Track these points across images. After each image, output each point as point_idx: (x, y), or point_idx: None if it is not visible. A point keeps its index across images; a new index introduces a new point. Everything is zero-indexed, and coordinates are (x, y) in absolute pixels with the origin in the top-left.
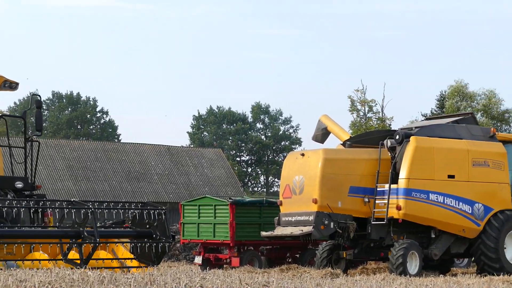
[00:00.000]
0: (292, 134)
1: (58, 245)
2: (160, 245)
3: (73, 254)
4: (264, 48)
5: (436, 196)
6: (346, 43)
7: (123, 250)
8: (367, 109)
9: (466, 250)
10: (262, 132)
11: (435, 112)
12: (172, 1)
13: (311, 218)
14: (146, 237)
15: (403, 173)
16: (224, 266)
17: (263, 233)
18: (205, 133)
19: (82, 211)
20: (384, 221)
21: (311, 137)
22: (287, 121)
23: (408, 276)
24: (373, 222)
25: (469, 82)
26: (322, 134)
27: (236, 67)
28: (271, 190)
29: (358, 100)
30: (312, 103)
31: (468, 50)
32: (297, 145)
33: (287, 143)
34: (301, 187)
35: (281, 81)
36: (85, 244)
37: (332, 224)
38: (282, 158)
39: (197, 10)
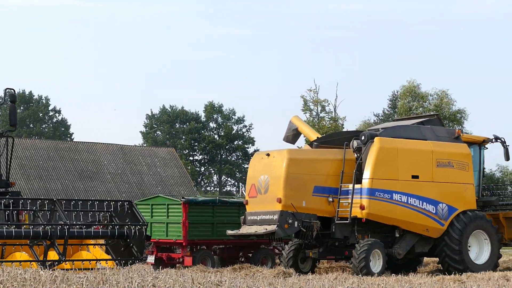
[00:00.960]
0: (245, 134)
1: (38, 246)
2: (129, 262)
3: (55, 255)
4: (217, 47)
5: (400, 196)
6: (299, 43)
7: (100, 253)
8: (319, 108)
9: (431, 250)
10: (215, 132)
11: (387, 112)
12: (125, 0)
13: (276, 217)
14: (121, 238)
15: (367, 173)
16: (177, 265)
17: (229, 232)
18: (158, 132)
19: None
20: (347, 220)
21: (282, 138)
22: (240, 120)
23: (370, 275)
24: (337, 222)
25: (421, 82)
26: (293, 135)
27: (189, 66)
28: (224, 190)
29: (311, 100)
30: (265, 102)
31: (420, 50)
32: (250, 145)
33: (240, 142)
34: (266, 186)
35: (234, 81)
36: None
37: (296, 223)
38: (235, 157)
39: (150, 10)
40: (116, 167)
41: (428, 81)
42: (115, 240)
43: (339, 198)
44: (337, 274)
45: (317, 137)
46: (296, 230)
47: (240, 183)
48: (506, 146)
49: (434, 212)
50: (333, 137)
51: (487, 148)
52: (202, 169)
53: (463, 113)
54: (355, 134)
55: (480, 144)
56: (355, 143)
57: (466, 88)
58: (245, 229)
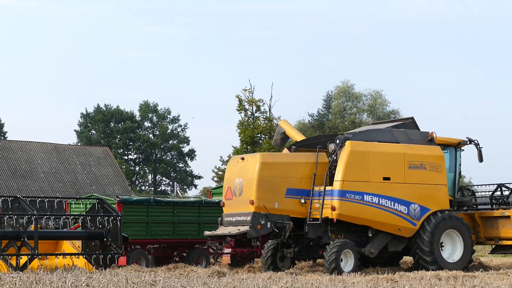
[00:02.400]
0: (180, 133)
1: None
2: (108, 256)
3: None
4: (153, 46)
5: (371, 197)
6: (234, 42)
7: (71, 249)
8: (254, 108)
9: (405, 248)
10: (150, 131)
11: (321, 112)
12: None
13: (249, 218)
14: (97, 238)
15: (338, 176)
16: (111, 265)
17: (206, 233)
18: (92, 131)
19: (25, 218)
20: (318, 221)
21: (272, 141)
22: (175, 120)
23: (341, 274)
24: (309, 222)
25: (355, 83)
26: (281, 138)
27: (124, 65)
28: (159, 189)
29: (246, 100)
30: (200, 102)
31: (354, 51)
32: (185, 144)
33: (175, 141)
34: (240, 189)
35: (170, 80)
36: (21, 257)
37: (269, 224)
38: (169, 157)
39: (85, 8)
40: (50, 166)
41: (362, 82)
42: (92, 243)
43: (311, 199)
44: (271, 273)
45: (295, 141)
46: (269, 231)
47: (175, 183)
48: (480, 148)
49: (406, 212)
50: (312, 141)
51: (463, 150)
52: (137, 168)
53: (397, 113)
54: (331, 138)
55: (455, 146)
56: (331, 146)
57: (400, 88)
58: (221, 230)
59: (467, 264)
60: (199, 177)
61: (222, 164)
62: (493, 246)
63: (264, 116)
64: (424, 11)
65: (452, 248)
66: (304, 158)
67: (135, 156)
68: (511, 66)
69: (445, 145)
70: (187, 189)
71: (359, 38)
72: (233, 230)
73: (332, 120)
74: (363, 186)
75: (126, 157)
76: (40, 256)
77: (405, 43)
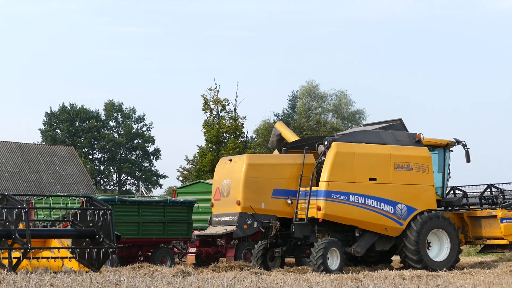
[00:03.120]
0: (145, 132)
1: None
2: (102, 251)
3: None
4: (118, 45)
5: (357, 198)
6: (200, 42)
7: (66, 253)
8: (220, 108)
9: (393, 247)
10: (115, 130)
11: (287, 112)
12: None
13: (235, 218)
14: (88, 237)
15: (324, 176)
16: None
17: (196, 233)
18: (57, 130)
19: (15, 211)
20: (304, 220)
21: (268, 143)
22: (140, 119)
23: (328, 272)
24: (295, 222)
25: (320, 83)
26: (276, 140)
27: (88, 64)
28: (124, 188)
29: (211, 99)
30: (165, 101)
31: (319, 51)
32: (150, 143)
33: (140, 141)
34: (228, 190)
35: (135, 79)
36: (14, 250)
37: (255, 223)
38: (135, 156)
39: (50, 7)
40: (14, 165)
41: (327, 82)
42: (83, 242)
43: (298, 200)
44: (236, 273)
45: (286, 143)
46: (256, 230)
47: (140, 182)
48: (467, 148)
49: (392, 212)
50: (302, 142)
51: (452, 151)
52: (102, 167)
53: (362, 113)
54: (322, 139)
55: (444, 147)
56: (320, 147)
57: (365, 89)
58: (209, 230)
59: (454, 263)
60: (164, 177)
61: (187, 164)
62: (482, 246)
63: (230, 116)
64: (388, 11)
65: (439, 248)
66: (291, 160)
67: (100, 155)
68: (480, 65)
69: (433, 146)
70: (152, 189)
71: (324, 38)
72: (220, 230)
73: (297, 120)
74: (349, 186)
75: (91, 157)
76: (32, 252)
77: (369, 43)
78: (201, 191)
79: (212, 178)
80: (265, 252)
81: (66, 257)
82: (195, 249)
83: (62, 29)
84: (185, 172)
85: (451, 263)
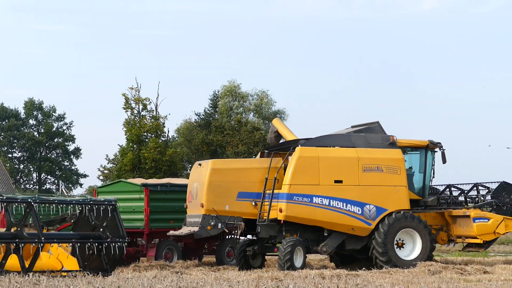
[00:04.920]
0: (65, 131)
1: None
2: (111, 247)
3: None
4: (38, 43)
5: (321, 199)
6: (121, 41)
7: (66, 255)
8: (141, 107)
9: (365, 247)
10: (35, 129)
11: (208, 111)
12: None
13: (200, 219)
14: (94, 239)
15: (286, 180)
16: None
17: (169, 233)
18: None
19: (23, 205)
20: (265, 222)
21: (267, 140)
22: (60, 118)
23: (294, 269)
24: (257, 223)
25: (242, 82)
26: (274, 137)
27: (9, 62)
28: (44, 188)
29: (133, 98)
30: (86, 100)
31: (241, 50)
32: (71, 142)
33: (60, 140)
34: (196, 193)
35: (55, 78)
36: (23, 245)
37: (220, 224)
38: (55, 155)
39: None
40: None
41: (248, 82)
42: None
43: (262, 202)
44: (157, 272)
45: (268, 146)
46: (220, 231)
47: (60, 181)
48: (443, 150)
49: (359, 213)
50: (285, 145)
51: (435, 151)
52: (21, 166)
53: (283, 113)
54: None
55: (425, 148)
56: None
57: (286, 89)
58: (183, 230)
59: (426, 260)
60: (85, 176)
61: (108, 163)
62: (464, 244)
63: (151, 115)
64: (308, 11)
65: (413, 246)
66: (258, 164)
67: (19, 154)
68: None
69: (414, 147)
70: (73, 188)
71: (246, 38)
72: (185, 230)
73: (219, 119)
74: (312, 189)
75: (10, 155)
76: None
77: (290, 44)
78: (122, 190)
79: (132, 177)
80: (247, 250)
81: (75, 271)
82: None
83: None
84: (105, 171)
85: (423, 261)
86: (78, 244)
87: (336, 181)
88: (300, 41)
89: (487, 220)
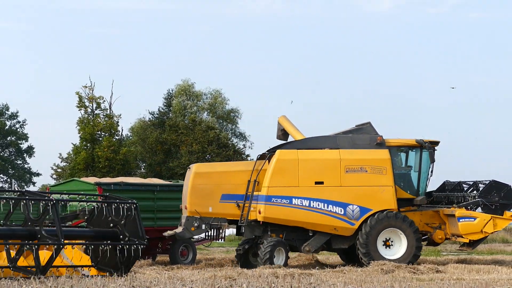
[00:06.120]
0: (18, 129)
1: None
2: (133, 247)
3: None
4: None
5: (301, 201)
6: (75, 39)
7: (79, 255)
8: (95, 105)
9: (353, 246)
10: None
11: (162, 110)
12: None
13: (184, 221)
14: (109, 238)
15: (265, 182)
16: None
17: (168, 232)
18: None
19: (41, 204)
20: (244, 223)
21: (276, 137)
22: (13, 116)
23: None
24: (239, 224)
25: (196, 81)
26: (282, 134)
27: None
28: None
29: (86, 97)
30: (40, 98)
31: (194, 49)
32: (24, 141)
33: (13, 138)
34: (185, 195)
35: (7, 76)
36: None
37: (203, 226)
38: (7, 153)
39: None
40: None
41: (202, 81)
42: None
43: (244, 203)
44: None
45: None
46: (204, 232)
47: (13, 180)
48: (430, 149)
49: (342, 213)
50: (276, 148)
51: (431, 150)
52: None
53: (237, 112)
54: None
55: (420, 147)
56: None
57: (240, 88)
58: (175, 230)
59: (412, 259)
60: (38, 174)
61: (62, 162)
62: (460, 243)
63: (105, 114)
64: (264, 10)
65: (400, 246)
66: (242, 167)
67: None
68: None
69: (409, 147)
70: (26, 187)
71: (200, 37)
72: (170, 232)
73: (173, 118)
74: (292, 190)
75: None
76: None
77: (245, 43)
78: (75, 189)
79: (86, 176)
80: (248, 249)
81: (85, 266)
82: None
83: None
84: (59, 170)
85: (408, 260)
86: (92, 247)
87: (316, 183)
88: (254, 40)
89: (473, 219)
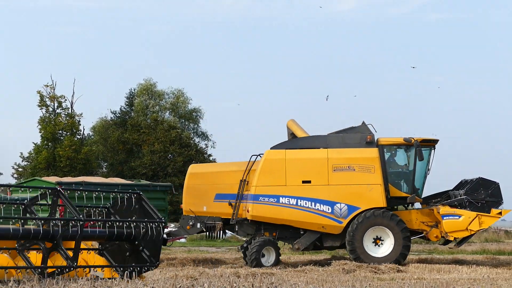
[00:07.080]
0: None
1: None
2: (136, 269)
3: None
4: None
5: (288, 199)
6: (36, 37)
7: (92, 256)
8: (56, 104)
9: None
10: None
11: (124, 109)
12: None
13: (180, 220)
14: (125, 239)
15: (253, 182)
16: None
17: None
18: None
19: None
20: (234, 221)
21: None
22: None
23: (260, 267)
24: (230, 222)
25: (158, 81)
26: (292, 138)
27: None
28: None
29: (48, 96)
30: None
31: (157, 49)
32: None
33: None
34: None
35: None
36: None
37: (198, 224)
38: None
39: None
40: None
41: (164, 80)
42: (115, 242)
43: (236, 202)
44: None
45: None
46: (199, 230)
47: None
48: (418, 148)
49: (330, 211)
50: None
51: (418, 148)
52: None
53: (199, 111)
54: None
55: (414, 145)
56: None
57: (202, 87)
58: (170, 229)
59: (399, 257)
60: None
61: (23, 161)
62: (457, 240)
63: (66, 113)
64: (226, 11)
65: (389, 244)
66: (236, 167)
67: None
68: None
69: (401, 145)
70: None
71: (162, 37)
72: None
73: (135, 118)
74: (279, 189)
75: None
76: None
77: (206, 42)
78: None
79: (47, 175)
80: (260, 249)
81: (99, 266)
82: None
83: None
84: (20, 169)
85: (395, 258)
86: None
87: (304, 181)
88: (216, 40)
89: (458, 217)
